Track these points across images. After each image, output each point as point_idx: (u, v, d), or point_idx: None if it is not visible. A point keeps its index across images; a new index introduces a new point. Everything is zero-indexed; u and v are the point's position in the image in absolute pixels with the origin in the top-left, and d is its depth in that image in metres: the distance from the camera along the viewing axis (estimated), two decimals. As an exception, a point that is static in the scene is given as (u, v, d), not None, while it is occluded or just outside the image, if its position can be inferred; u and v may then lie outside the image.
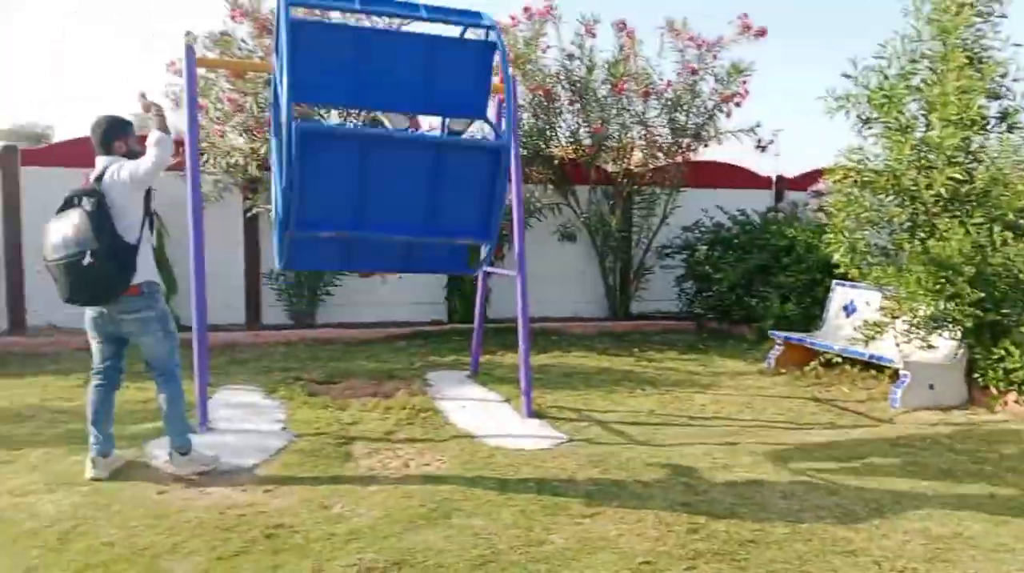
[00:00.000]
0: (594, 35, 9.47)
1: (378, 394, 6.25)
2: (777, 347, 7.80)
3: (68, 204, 4.09)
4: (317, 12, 7.34)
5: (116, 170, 4.18)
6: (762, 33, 9.58)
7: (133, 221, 4.18)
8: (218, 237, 8.78)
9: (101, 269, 4.00)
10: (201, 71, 8.34)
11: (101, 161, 4.26)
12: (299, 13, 6.02)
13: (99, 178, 4.18)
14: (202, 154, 8.27)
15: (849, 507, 4.16)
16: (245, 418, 5.57)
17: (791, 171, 11.57)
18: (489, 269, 7.12)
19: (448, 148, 5.13)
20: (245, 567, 3.37)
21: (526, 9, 9.34)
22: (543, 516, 3.95)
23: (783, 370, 7.58)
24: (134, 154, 4.32)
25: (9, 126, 29.33)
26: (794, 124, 24.44)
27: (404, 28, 6.34)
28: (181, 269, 8.38)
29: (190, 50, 5.58)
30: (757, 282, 9.09)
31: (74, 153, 8.83)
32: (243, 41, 8.37)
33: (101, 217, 4.04)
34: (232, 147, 8.28)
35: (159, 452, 4.75)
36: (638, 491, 4.35)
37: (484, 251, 6.01)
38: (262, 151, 8.19)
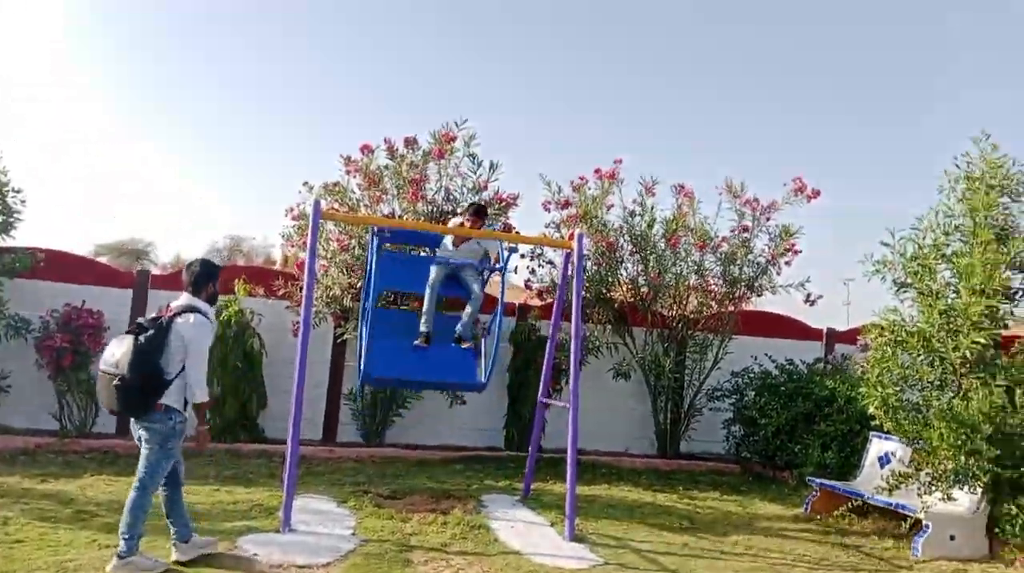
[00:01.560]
0: (653, 194, 10.50)
1: (436, 510, 6.94)
2: (814, 493, 8.21)
3: (134, 329, 4.94)
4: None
5: (192, 324, 4.94)
6: (815, 195, 10.40)
7: (175, 361, 4.92)
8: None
9: (129, 392, 4.78)
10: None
11: (184, 298, 5.12)
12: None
13: (178, 314, 5.00)
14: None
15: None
16: (320, 523, 6.32)
17: (853, 321, 12.12)
18: (545, 400, 7.90)
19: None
20: (318, 643, 4.06)
21: (596, 170, 10.48)
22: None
23: (818, 515, 7.96)
24: (213, 299, 5.26)
25: (112, 241, 32.03)
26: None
27: None
28: (274, 387, 9.44)
29: (317, 204, 6.73)
30: (801, 429, 9.55)
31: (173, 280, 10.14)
32: (352, 191, 9.64)
33: (146, 352, 4.79)
34: (334, 281, 9.39)
35: (249, 546, 5.54)
36: (659, 611, 4.89)
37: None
38: (357, 285, 9.29)
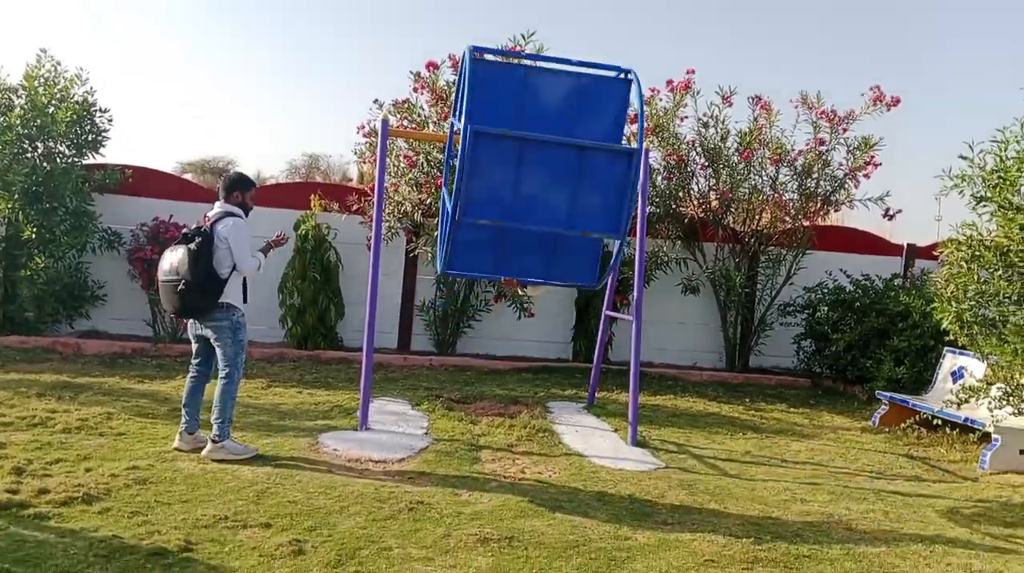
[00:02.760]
0: (731, 104, 10.22)
1: (504, 414, 7.22)
2: (883, 407, 8.19)
3: (183, 239, 5.30)
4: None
5: (228, 227, 5.29)
6: (895, 102, 9.98)
7: (226, 260, 5.32)
8: (383, 271, 10.15)
9: (191, 294, 5.19)
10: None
11: (218, 206, 5.47)
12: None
13: (216, 220, 5.35)
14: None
15: (904, 540, 4.72)
16: (395, 423, 6.68)
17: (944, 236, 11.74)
18: (611, 313, 8.01)
19: (590, 149, 5.99)
20: (393, 527, 4.37)
21: (668, 81, 10.25)
22: (631, 520, 4.76)
23: (886, 429, 7.96)
24: (244, 206, 5.55)
25: (196, 158, 33.09)
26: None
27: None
28: (349, 297, 9.81)
29: (385, 123, 6.86)
30: (874, 344, 9.45)
31: (273, 194, 10.49)
32: (421, 108, 9.71)
33: (199, 256, 5.17)
34: (403, 198, 9.59)
35: (329, 442, 5.92)
36: (718, 510, 5.08)
37: (615, 248, 6.89)
38: (427, 202, 9.47)
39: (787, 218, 10.56)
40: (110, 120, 9.32)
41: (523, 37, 9.51)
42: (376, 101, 9.91)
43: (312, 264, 9.54)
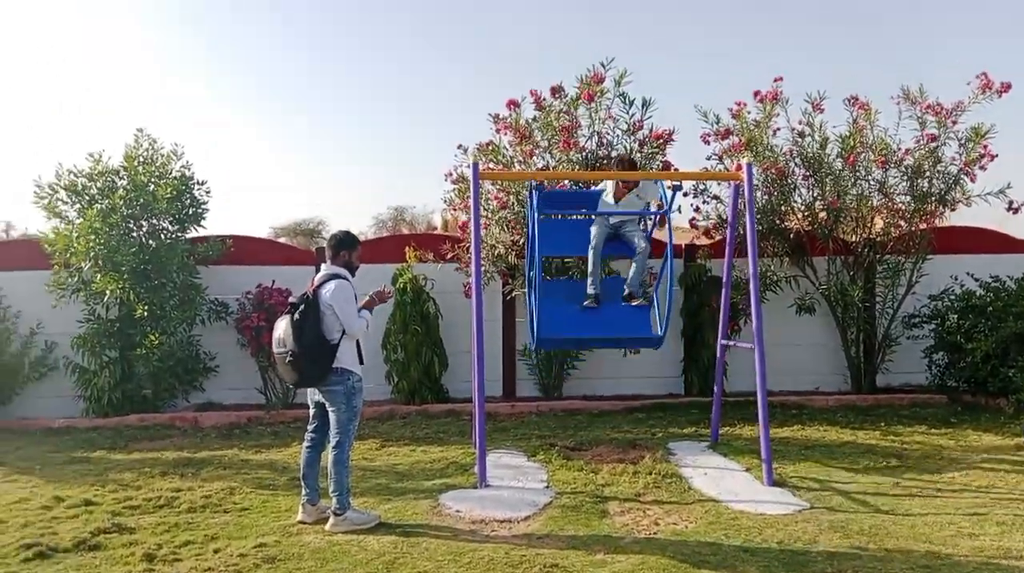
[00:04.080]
0: (822, 110, 9.73)
1: (625, 460, 6.88)
2: (1038, 420, 7.46)
3: (289, 308, 5.27)
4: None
5: (331, 290, 5.20)
6: (1006, 88, 9.28)
7: (335, 325, 5.23)
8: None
9: (300, 363, 5.13)
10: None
11: (324, 269, 5.42)
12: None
13: (320, 285, 5.28)
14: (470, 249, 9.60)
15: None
16: (514, 477, 6.43)
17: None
18: (727, 342, 7.60)
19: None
20: (529, 597, 4.11)
21: (756, 93, 9.86)
22: (785, 571, 4.36)
23: (1046, 444, 7.25)
24: (351, 265, 5.50)
25: (287, 222, 34.19)
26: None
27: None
28: (451, 347, 9.71)
29: (475, 166, 6.75)
30: (1014, 351, 8.70)
31: (366, 250, 10.53)
32: (504, 149, 9.61)
33: (304, 325, 5.13)
34: (496, 240, 9.47)
35: (450, 503, 5.72)
36: (879, 554, 4.61)
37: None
38: (520, 243, 9.31)
39: (902, 223, 9.93)
40: (208, 192, 9.58)
41: (603, 65, 9.32)
42: (460, 146, 9.87)
43: (413, 317, 9.49)
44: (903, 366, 10.21)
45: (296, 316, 5.20)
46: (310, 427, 5.55)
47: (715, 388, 7.75)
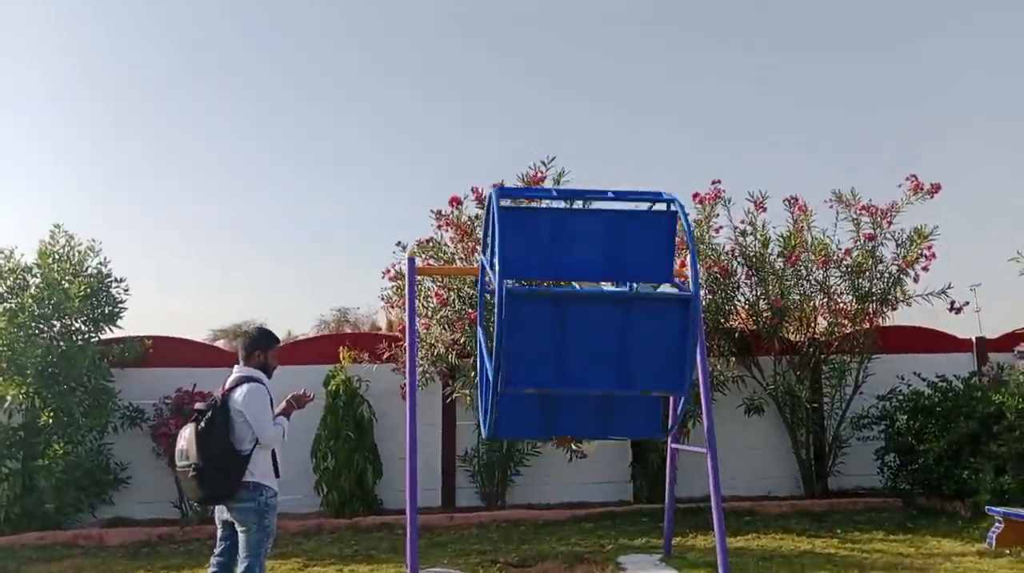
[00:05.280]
0: (765, 209, 9.75)
1: (573, 578, 6.34)
2: (997, 525, 7.18)
3: (195, 415, 4.71)
4: (520, 201, 8.14)
5: (243, 394, 4.69)
6: (936, 189, 9.43)
7: (247, 434, 4.69)
8: (420, 421, 9.47)
9: (205, 478, 4.55)
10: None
11: (236, 370, 4.90)
12: (505, 202, 6.73)
13: (231, 389, 4.77)
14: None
15: None
16: (449, 601, 5.83)
17: (997, 326, 11.00)
18: (677, 446, 7.22)
19: (635, 300, 5.39)
20: None
21: (695, 195, 9.84)
22: None
23: (1007, 550, 6.93)
24: (267, 367, 4.97)
25: (228, 324, 33.22)
26: (997, 275, 22.94)
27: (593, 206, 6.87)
28: (385, 453, 9.12)
29: (411, 262, 6.40)
30: (967, 452, 8.50)
31: (299, 350, 10.04)
32: (446, 245, 9.33)
33: (210, 434, 4.58)
34: (437, 339, 9.06)
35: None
36: None
37: (680, 405, 6.05)
38: (461, 341, 8.91)
39: (845, 322, 9.86)
40: (126, 290, 9.05)
41: (543, 164, 9.21)
42: (399, 243, 9.53)
43: (345, 421, 8.93)
44: (855, 468, 9.92)
45: (202, 424, 4.63)
46: (216, 549, 4.90)
47: (667, 497, 7.30)
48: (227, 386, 4.86)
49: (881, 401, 9.67)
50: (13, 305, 8.40)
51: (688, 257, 6.11)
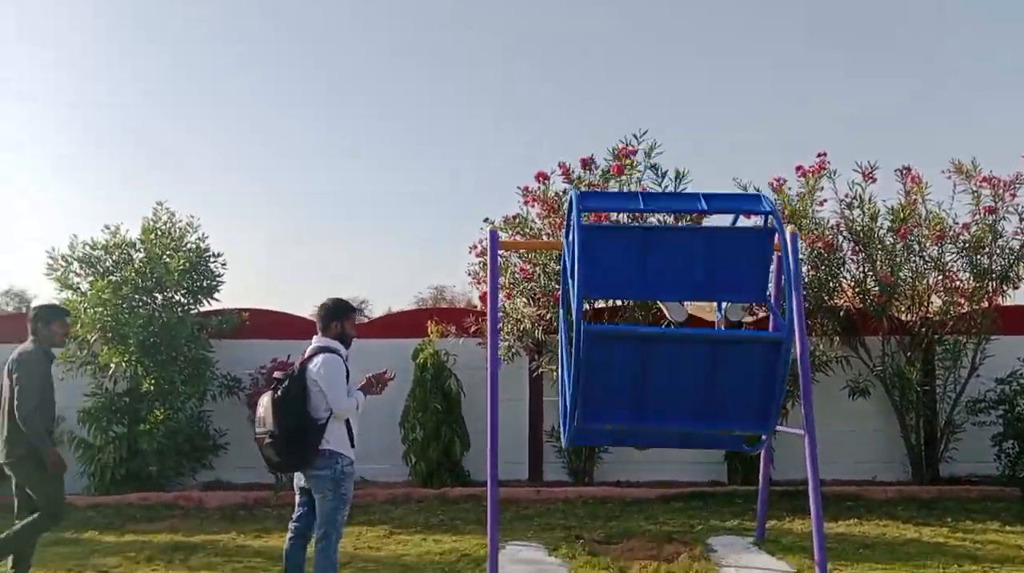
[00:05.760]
0: (874, 180, 9.16)
1: (659, 558, 6.12)
2: None
3: (273, 384, 4.73)
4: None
5: (319, 365, 4.67)
6: None
7: (321, 404, 4.65)
8: (506, 395, 9.39)
9: (282, 446, 4.57)
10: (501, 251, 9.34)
11: (315, 341, 4.87)
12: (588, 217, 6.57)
13: (308, 359, 4.75)
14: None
15: None
16: (531, 575, 5.72)
17: None
18: (777, 427, 6.86)
19: (724, 342, 5.15)
20: None
21: (798, 167, 9.33)
22: None
23: None
24: (345, 336, 4.93)
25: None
26: None
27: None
28: (473, 426, 9.09)
29: (494, 234, 6.28)
30: (1099, 440, 7.80)
31: (389, 324, 10.15)
32: (533, 221, 9.18)
33: (286, 403, 4.58)
34: (522, 314, 8.95)
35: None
36: None
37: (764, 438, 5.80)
38: (547, 317, 8.78)
39: (962, 301, 9.19)
40: (224, 265, 9.31)
41: (635, 138, 8.92)
42: (486, 219, 9.44)
43: (433, 394, 8.95)
44: (969, 455, 9.26)
45: (278, 392, 4.66)
46: (294, 516, 4.94)
47: (760, 478, 6.97)
48: (305, 356, 4.86)
49: (1000, 384, 8.98)
50: (118, 278, 8.75)
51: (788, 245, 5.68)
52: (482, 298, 9.20)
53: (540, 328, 8.94)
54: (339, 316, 4.99)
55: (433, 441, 8.83)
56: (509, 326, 8.97)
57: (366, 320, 12.52)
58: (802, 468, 5.79)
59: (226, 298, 9.56)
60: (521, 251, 9.14)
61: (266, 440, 4.63)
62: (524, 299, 9.07)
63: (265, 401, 4.72)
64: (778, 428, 6.85)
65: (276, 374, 4.92)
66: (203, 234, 9.30)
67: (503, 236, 8.59)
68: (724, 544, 6.68)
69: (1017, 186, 8.84)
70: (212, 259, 9.27)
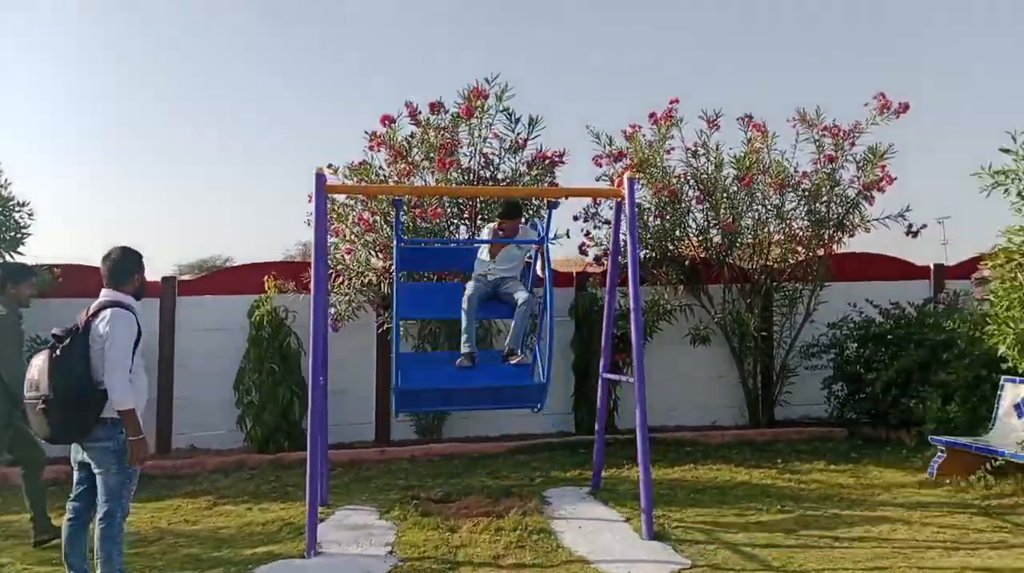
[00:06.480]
0: (718, 127, 9.21)
1: (492, 513, 5.97)
2: (940, 454, 6.94)
3: (52, 342, 4.14)
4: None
5: (107, 321, 4.12)
6: (904, 109, 8.93)
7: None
8: (352, 354, 9.03)
9: (57, 413, 4.02)
10: (340, 197, 8.81)
11: (102, 294, 4.29)
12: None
13: (94, 314, 4.19)
14: (336, 275, 8.62)
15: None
16: (355, 541, 5.45)
17: (961, 258, 10.66)
18: (609, 375, 6.84)
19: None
20: None
21: (651, 115, 9.27)
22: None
23: (947, 480, 6.70)
24: (139, 292, 4.42)
25: (195, 259, 32.33)
26: (968, 207, 22.64)
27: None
28: (313, 387, 8.66)
29: (320, 177, 5.80)
30: (915, 381, 8.23)
31: (227, 279, 9.50)
32: (380, 168, 8.73)
33: (65, 363, 4.04)
34: (366, 266, 8.54)
35: (262, 577, 4.70)
36: (762, 631, 3.82)
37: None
38: (391, 268, 8.39)
39: (799, 249, 9.46)
40: (30, 215, 8.34)
41: (487, 80, 8.56)
42: (330, 166, 8.90)
43: (269, 354, 8.44)
44: (802, 398, 9.66)
45: (58, 351, 4.08)
46: (72, 494, 4.38)
47: (597, 428, 6.94)
48: (91, 311, 4.29)
49: (832, 329, 9.36)
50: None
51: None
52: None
53: (386, 282, 8.56)
54: (139, 268, 4.44)
55: (269, 403, 8.34)
56: (350, 279, 8.55)
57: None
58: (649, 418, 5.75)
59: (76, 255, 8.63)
60: (362, 198, 8.68)
61: (38, 405, 4.04)
62: (367, 252, 8.66)
63: (39, 361, 4.11)
64: (612, 376, 6.86)
65: (55, 331, 4.27)
66: (5, 180, 8.32)
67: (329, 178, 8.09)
68: (559, 495, 6.63)
69: (856, 135, 9.09)
70: (17, 208, 8.32)
